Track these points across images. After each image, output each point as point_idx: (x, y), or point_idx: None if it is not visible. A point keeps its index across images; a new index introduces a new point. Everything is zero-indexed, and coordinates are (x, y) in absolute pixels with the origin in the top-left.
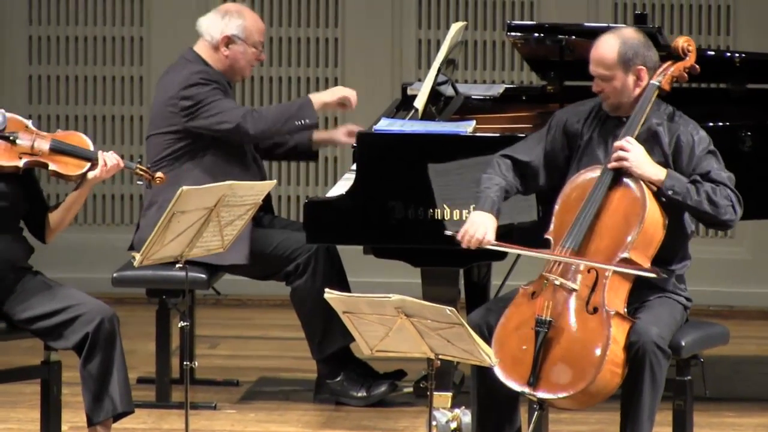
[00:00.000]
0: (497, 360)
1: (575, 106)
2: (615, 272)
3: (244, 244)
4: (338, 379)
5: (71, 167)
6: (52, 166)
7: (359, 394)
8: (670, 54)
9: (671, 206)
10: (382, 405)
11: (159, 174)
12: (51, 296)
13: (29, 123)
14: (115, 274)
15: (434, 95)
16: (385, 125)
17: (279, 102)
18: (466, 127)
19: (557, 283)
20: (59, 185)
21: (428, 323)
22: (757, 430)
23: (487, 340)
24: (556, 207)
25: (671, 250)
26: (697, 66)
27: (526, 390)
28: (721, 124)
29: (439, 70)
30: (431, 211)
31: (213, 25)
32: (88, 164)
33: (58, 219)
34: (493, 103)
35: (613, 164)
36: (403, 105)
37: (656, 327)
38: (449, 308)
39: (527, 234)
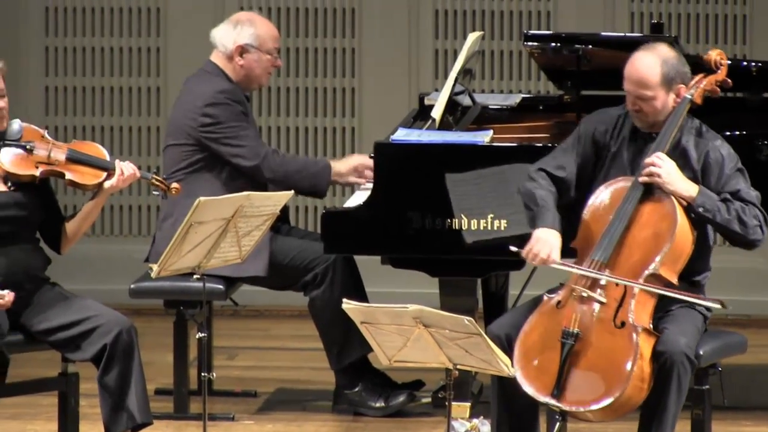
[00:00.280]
0: (516, 370)
1: (600, 114)
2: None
3: (263, 254)
4: (356, 389)
5: (88, 177)
6: (68, 176)
7: (377, 405)
8: (701, 66)
9: (698, 221)
10: (401, 415)
11: (174, 185)
12: (68, 308)
13: (45, 133)
14: (132, 286)
15: (451, 105)
16: (403, 135)
17: (297, 112)
18: (484, 137)
19: (585, 295)
20: (73, 196)
21: (446, 333)
22: None
23: (506, 350)
24: (584, 217)
25: (694, 262)
26: (729, 80)
27: (550, 401)
28: (738, 133)
29: (456, 80)
30: (449, 220)
31: (226, 36)
32: (105, 174)
33: (74, 229)
34: (510, 112)
35: (644, 179)
36: (421, 115)
37: (684, 337)
38: (467, 318)
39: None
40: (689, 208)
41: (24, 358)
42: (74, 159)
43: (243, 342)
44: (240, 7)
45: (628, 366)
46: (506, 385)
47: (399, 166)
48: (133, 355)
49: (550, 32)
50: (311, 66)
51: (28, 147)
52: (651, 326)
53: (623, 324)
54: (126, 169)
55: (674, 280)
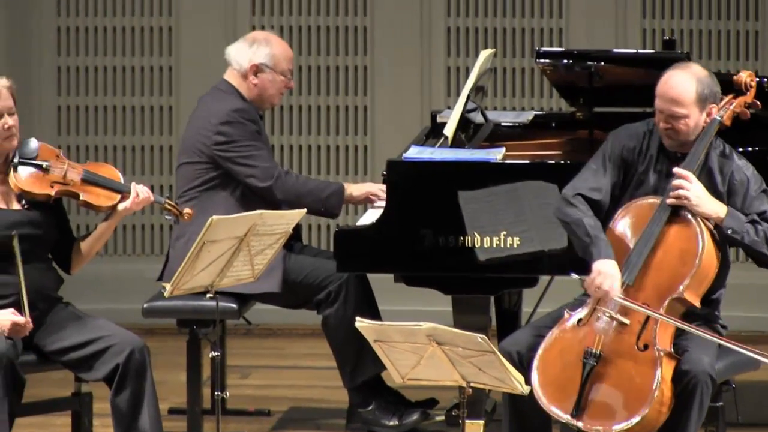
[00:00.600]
0: (534, 384)
1: (626, 130)
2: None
3: (277, 271)
4: (370, 407)
5: (102, 198)
6: (83, 197)
7: (391, 423)
8: (730, 87)
9: (724, 242)
10: None
11: (187, 210)
12: (81, 327)
13: (60, 152)
14: (145, 305)
15: (464, 123)
16: (415, 153)
17: (309, 130)
18: (496, 155)
19: (608, 315)
20: (85, 216)
21: (460, 351)
22: None
23: (518, 367)
24: (608, 237)
25: (714, 281)
26: (758, 102)
27: (570, 420)
28: (750, 149)
29: (468, 98)
30: (462, 238)
31: (241, 54)
32: (119, 196)
33: (86, 249)
34: (522, 130)
35: (672, 201)
36: (433, 133)
37: (707, 357)
38: (480, 336)
39: (557, 260)
40: (717, 229)
41: (37, 377)
42: (89, 180)
43: (256, 361)
44: (252, 25)
45: (651, 389)
46: (519, 403)
47: (411, 184)
48: (145, 374)
49: (562, 49)
50: (323, 84)
51: (44, 166)
52: (672, 348)
53: (646, 347)
54: (141, 192)
55: (697, 303)
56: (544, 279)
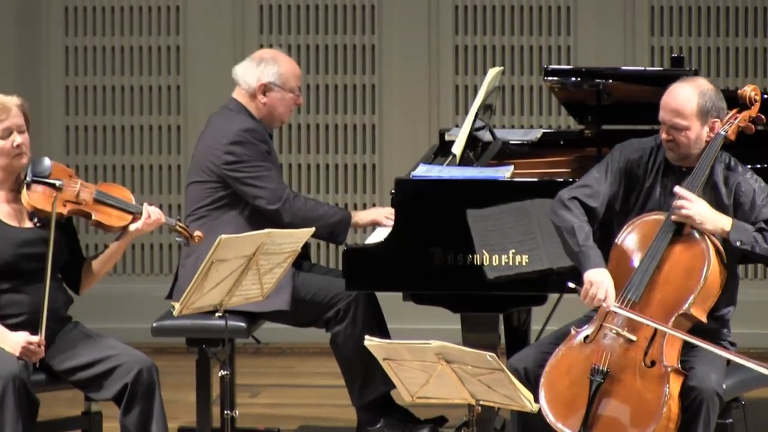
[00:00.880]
0: (542, 401)
1: (632, 143)
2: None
3: (286, 290)
4: (379, 425)
5: (114, 219)
6: (95, 216)
7: None
8: (735, 101)
9: (734, 255)
10: None
11: (197, 233)
12: (90, 347)
13: (72, 172)
14: (154, 324)
15: (472, 141)
16: (423, 171)
17: (317, 149)
18: (504, 173)
19: (614, 332)
20: (94, 235)
21: (469, 369)
22: None
23: (524, 383)
24: (614, 253)
25: (722, 298)
26: (763, 116)
27: None
28: (759, 166)
29: (476, 116)
30: (470, 256)
31: (249, 73)
32: (131, 217)
33: (97, 269)
34: (530, 148)
35: (676, 218)
36: (441, 151)
37: (714, 374)
38: (489, 354)
39: (565, 277)
40: (726, 244)
41: (47, 397)
42: (102, 200)
43: (266, 379)
44: (260, 44)
45: (659, 406)
46: (527, 421)
47: (420, 202)
48: (154, 394)
49: (570, 67)
50: (332, 103)
51: (57, 185)
52: (679, 365)
53: (653, 363)
54: (152, 213)
55: (704, 319)
56: (552, 297)
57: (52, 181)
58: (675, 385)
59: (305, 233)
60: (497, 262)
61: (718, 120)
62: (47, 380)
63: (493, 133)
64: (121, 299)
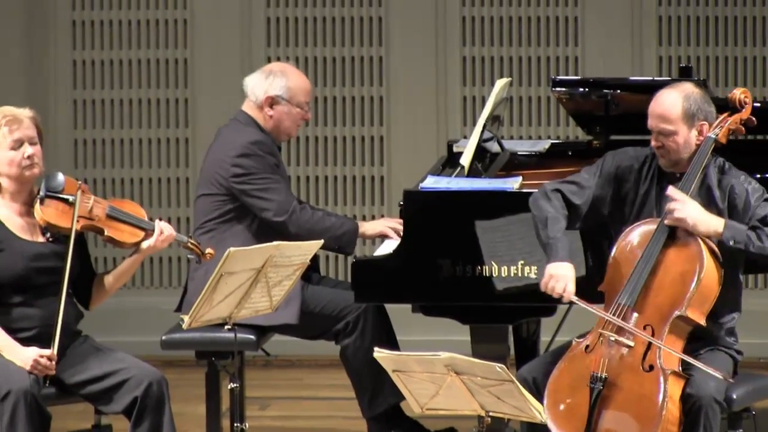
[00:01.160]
0: (545, 414)
1: (625, 151)
2: (671, 331)
3: (295, 302)
4: None
5: (126, 235)
6: (107, 232)
7: None
8: (726, 105)
9: (733, 255)
10: None
11: (209, 250)
12: (100, 360)
13: (86, 187)
14: (164, 337)
15: (480, 152)
16: (432, 183)
17: (325, 161)
18: (513, 184)
19: (612, 339)
20: (104, 249)
21: (478, 380)
22: None
23: (534, 393)
24: (610, 261)
25: (722, 303)
26: (754, 118)
27: None
28: (759, 175)
29: (484, 127)
30: (479, 268)
31: (257, 86)
32: (143, 233)
33: (109, 284)
34: (539, 158)
35: (669, 222)
36: (449, 162)
37: (714, 381)
38: (499, 365)
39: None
40: (720, 246)
41: (58, 410)
42: (114, 216)
43: (275, 392)
44: (267, 56)
45: (658, 409)
46: None
47: (428, 214)
48: (163, 407)
49: (578, 77)
50: (339, 115)
51: (70, 200)
52: (680, 368)
53: (651, 367)
54: (165, 229)
55: (702, 322)
56: (561, 308)
57: (65, 197)
58: (675, 388)
59: (314, 245)
60: (506, 274)
61: (706, 123)
62: (58, 393)
63: (501, 144)
64: (130, 312)
